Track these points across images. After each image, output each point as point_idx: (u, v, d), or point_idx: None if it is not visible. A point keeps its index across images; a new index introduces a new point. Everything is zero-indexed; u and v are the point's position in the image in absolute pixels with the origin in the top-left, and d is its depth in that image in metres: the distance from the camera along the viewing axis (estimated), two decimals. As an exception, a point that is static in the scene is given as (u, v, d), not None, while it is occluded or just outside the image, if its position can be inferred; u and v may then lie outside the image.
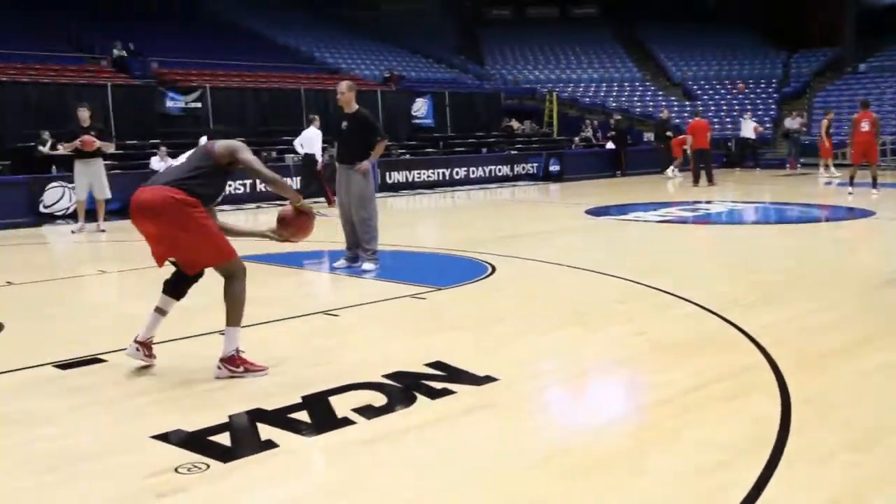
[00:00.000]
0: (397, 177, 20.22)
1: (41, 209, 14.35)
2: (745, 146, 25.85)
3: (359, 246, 8.38)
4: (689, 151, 20.48)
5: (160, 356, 4.86)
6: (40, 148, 16.64)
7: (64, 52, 24.33)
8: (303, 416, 3.97)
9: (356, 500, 3.12)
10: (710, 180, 19.48)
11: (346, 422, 3.88)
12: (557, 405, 4.35)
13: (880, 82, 30.27)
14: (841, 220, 12.77)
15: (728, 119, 29.78)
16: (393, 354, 5.06)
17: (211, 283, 4.83)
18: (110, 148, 13.09)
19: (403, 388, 4.37)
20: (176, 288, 4.82)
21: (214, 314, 4.85)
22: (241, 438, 3.74)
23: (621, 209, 14.47)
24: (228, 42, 28.21)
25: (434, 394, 4.27)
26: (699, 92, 33.28)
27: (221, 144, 4.69)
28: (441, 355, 4.92)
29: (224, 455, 3.50)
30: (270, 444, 3.61)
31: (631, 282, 7.24)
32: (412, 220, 15.23)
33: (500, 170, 22.48)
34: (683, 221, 12.78)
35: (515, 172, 22.77)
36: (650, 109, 30.84)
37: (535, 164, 23.27)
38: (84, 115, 12.44)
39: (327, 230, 10.99)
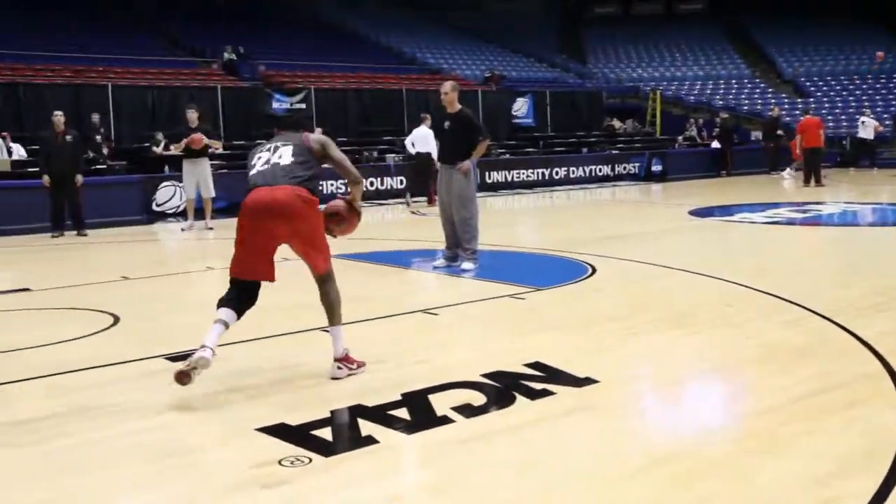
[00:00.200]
0: (497, 176, 20.18)
1: (154, 207, 14.93)
2: (862, 145, 24.73)
3: (459, 245, 8.40)
4: (799, 150, 19.75)
5: (263, 351, 4.97)
6: (154, 148, 17.33)
7: (178, 57, 25.31)
8: (402, 413, 4.00)
9: (455, 499, 3.11)
10: (818, 180, 18.74)
11: (445, 420, 3.89)
12: (660, 409, 4.25)
13: None
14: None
15: (843, 116, 28.57)
16: (492, 354, 5.05)
17: (304, 282, 4.90)
18: (218, 146, 13.53)
19: (502, 388, 4.35)
20: (240, 306, 4.47)
21: (313, 312, 4.91)
22: (342, 434, 3.79)
23: (726, 210, 14.07)
24: (333, 44, 28.76)
25: (533, 394, 4.23)
26: (812, 88, 32.02)
27: (315, 138, 4.68)
28: (540, 356, 4.87)
29: (326, 449, 3.56)
30: (371, 440, 3.65)
31: (736, 284, 7.03)
32: (511, 219, 15.18)
33: (600, 170, 22.18)
34: (792, 223, 12.34)
35: (616, 172, 22.43)
36: (758, 107, 29.88)
37: (637, 164, 22.86)
38: (192, 116, 12.88)
39: (428, 229, 11.04)
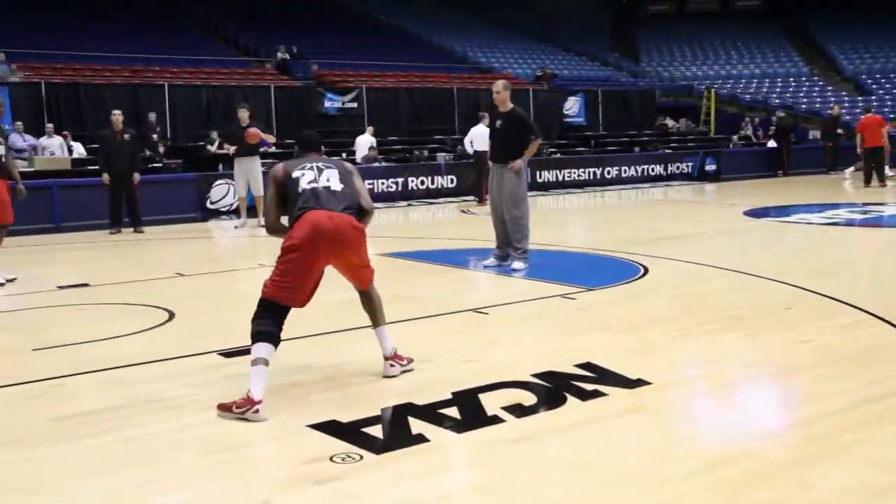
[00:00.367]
0: (547, 176, 20.07)
1: (208, 205, 15.15)
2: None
3: (509, 244, 8.37)
4: (859, 150, 19.27)
5: (312, 348, 5.00)
6: (208, 147, 17.61)
7: (232, 56, 25.68)
8: (453, 412, 3.99)
9: (505, 498, 3.10)
10: (882, 180, 18.28)
11: (496, 419, 3.87)
12: (713, 412, 4.17)
13: None
14: None
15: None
16: (542, 354, 5.02)
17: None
18: (272, 138, 13.72)
19: (553, 389, 4.32)
20: (277, 339, 4.23)
21: (361, 309, 4.91)
22: (393, 431, 3.80)
23: (783, 210, 13.80)
24: (385, 43, 28.92)
25: (584, 395, 4.20)
26: (873, 86, 31.24)
27: (350, 168, 4.60)
28: (591, 356, 4.83)
29: (377, 447, 3.57)
30: (421, 439, 3.65)
31: (793, 286, 6.88)
32: (562, 219, 15.09)
33: (653, 169, 21.91)
34: (851, 224, 12.05)
35: (669, 172, 22.13)
36: (817, 106, 29.26)
37: (691, 164, 22.54)
38: (243, 115, 13.05)
39: (478, 228, 11.03)
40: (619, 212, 16.10)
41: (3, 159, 8.32)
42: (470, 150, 16.71)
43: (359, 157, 18.30)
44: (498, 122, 8.39)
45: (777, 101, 30.22)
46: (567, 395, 4.20)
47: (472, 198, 17.18)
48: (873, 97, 29.41)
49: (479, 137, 16.09)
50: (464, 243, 10.77)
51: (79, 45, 21.96)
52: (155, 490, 3.26)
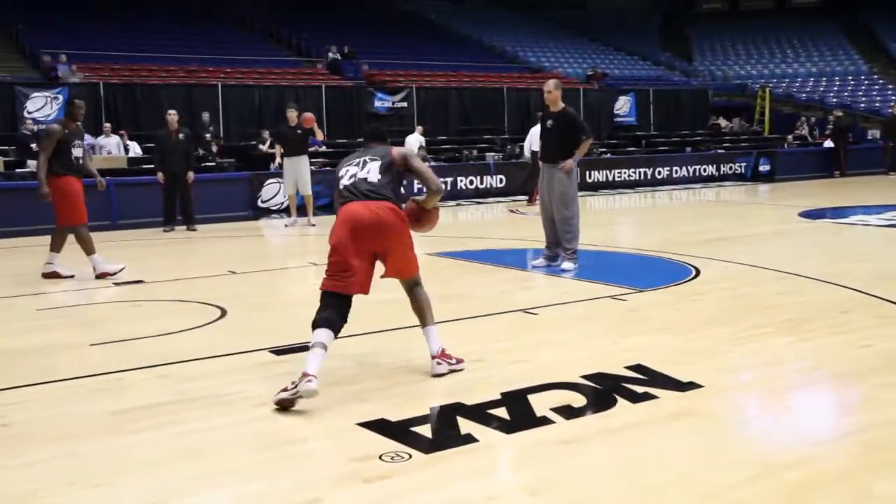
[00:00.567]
0: (597, 176, 19.91)
1: (259, 204, 15.33)
2: None
3: (559, 245, 8.32)
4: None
5: (363, 347, 5.03)
6: (260, 146, 17.82)
7: (284, 57, 25.96)
8: (501, 412, 3.98)
9: (553, 500, 3.08)
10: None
11: (545, 421, 3.85)
12: (768, 417, 4.09)
13: None
14: None
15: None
16: (592, 355, 4.98)
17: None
18: (321, 136, 13.87)
19: (603, 390, 4.29)
20: (338, 326, 4.37)
21: (410, 310, 4.93)
22: (442, 431, 3.80)
23: (840, 212, 13.50)
24: (435, 43, 29.00)
25: (635, 398, 4.15)
26: (937, 85, 30.45)
27: (399, 152, 4.73)
28: (642, 358, 4.78)
29: (425, 446, 3.58)
30: (470, 439, 3.65)
31: (851, 289, 6.73)
32: (612, 219, 14.96)
33: (705, 169, 21.60)
34: (912, 226, 11.75)
35: (722, 172, 21.80)
36: (877, 105, 28.58)
37: (744, 164, 22.17)
38: (292, 115, 13.19)
39: (527, 228, 11.00)
40: (670, 212, 15.91)
41: (81, 161, 8.57)
42: (528, 154, 16.45)
43: (408, 156, 18.34)
44: (549, 122, 8.35)
45: (834, 99, 29.58)
46: (617, 397, 4.16)
47: (522, 197, 17.11)
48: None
49: (536, 138, 15.96)
50: (513, 243, 10.74)
51: (136, 47, 22.42)
52: (208, 484, 3.30)
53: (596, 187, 19.58)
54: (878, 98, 29.50)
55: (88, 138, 16.47)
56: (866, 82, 31.67)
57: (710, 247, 9.55)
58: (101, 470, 3.45)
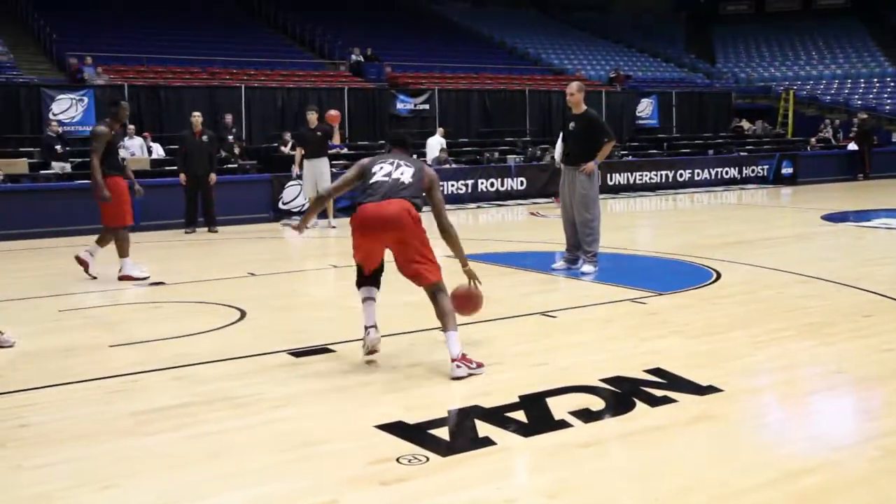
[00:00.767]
0: (619, 178, 19.82)
1: (280, 205, 15.38)
2: None
3: (579, 247, 8.30)
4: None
5: (383, 349, 5.03)
6: (282, 148, 17.88)
7: (307, 59, 26.06)
8: (520, 415, 3.97)
9: (572, 503, 3.07)
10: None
11: (563, 424, 3.84)
12: (788, 421, 4.05)
13: None
14: None
15: None
16: (611, 358, 4.96)
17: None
18: (338, 139, 13.90)
19: (622, 394, 4.27)
20: (375, 280, 5.06)
21: (431, 312, 4.93)
22: (459, 434, 3.80)
23: (863, 215, 13.37)
24: (458, 45, 29.00)
25: (654, 401, 4.13)
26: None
27: (431, 176, 4.96)
28: (661, 362, 4.76)
29: (443, 449, 3.58)
30: (488, 442, 3.64)
31: (873, 293, 6.66)
32: (633, 222, 14.89)
33: (727, 172, 21.43)
34: (938, 230, 11.61)
35: (744, 175, 21.62)
36: (903, 107, 28.27)
37: (766, 167, 21.98)
38: (312, 117, 13.23)
39: (547, 231, 10.98)
40: (691, 215, 15.81)
41: (125, 162, 8.70)
42: (558, 158, 16.31)
43: (429, 158, 18.37)
44: (571, 125, 8.32)
45: (859, 102, 29.28)
46: (636, 400, 4.14)
47: (545, 200, 17.05)
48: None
49: None
50: (533, 246, 10.72)
51: (160, 49, 22.59)
52: (226, 485, 3.32)
53: (617, 190, 19.48)
54: (905, 101, 29.20)
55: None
56: (892, 84, 31.32)
57: (731, 250, 9.49)
58: (117, 471, 3.47)
